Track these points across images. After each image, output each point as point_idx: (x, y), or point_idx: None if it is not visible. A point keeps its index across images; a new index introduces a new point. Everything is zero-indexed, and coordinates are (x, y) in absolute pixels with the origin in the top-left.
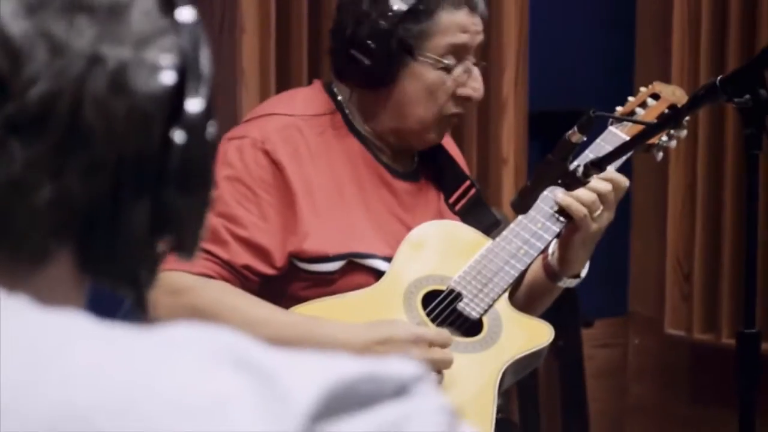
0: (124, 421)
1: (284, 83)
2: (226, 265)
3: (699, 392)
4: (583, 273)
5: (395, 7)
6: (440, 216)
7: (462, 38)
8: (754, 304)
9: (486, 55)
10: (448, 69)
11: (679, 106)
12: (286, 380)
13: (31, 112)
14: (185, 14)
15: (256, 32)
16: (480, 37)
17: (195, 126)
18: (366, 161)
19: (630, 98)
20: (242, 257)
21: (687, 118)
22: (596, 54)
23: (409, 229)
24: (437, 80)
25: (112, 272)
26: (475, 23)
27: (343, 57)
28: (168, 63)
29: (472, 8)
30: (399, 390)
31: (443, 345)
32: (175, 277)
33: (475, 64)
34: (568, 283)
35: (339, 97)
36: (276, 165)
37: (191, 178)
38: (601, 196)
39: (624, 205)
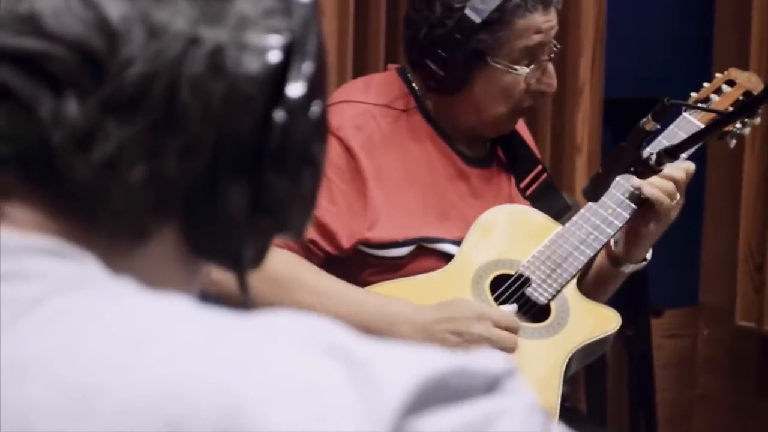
0: (220, 400)
1: (361, 66)
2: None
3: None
4: (649, 256)
5: (471, 18)
6: (511, 201)
7: (536, 39)
8: None
9: (563, 41)
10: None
11: (754, 93)
12: (379, 371)
13: (128, 93)
14: None
15: (334, 14)
16: (554, 30)
17: (296, 107)
18: (439, 148)
19: (705, 84)
20: (310, 233)
21: (761, 106)
22: (673, 41)
23: (482, 209)
24: (511, 82)
25: (214, 251)
26: (549, 20)
27: (416, 58)
28: (272, 44)
29: (546, 5)
30: (490, 385)
31: (509, 327)
32: None
33: (551, 56)
34: (632, 268)
35: (413, 84)
36: (349, 152)
37: (291, 158)
38: (678, 185)
39: (697, 193)
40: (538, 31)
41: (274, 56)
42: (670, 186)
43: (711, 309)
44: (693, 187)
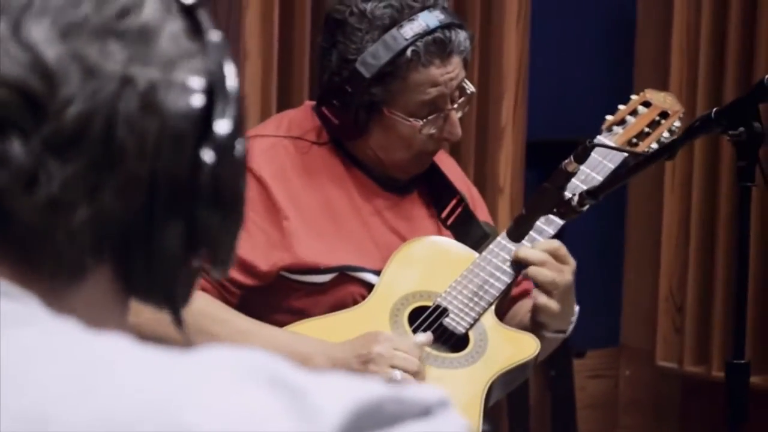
0: (164, 431)
1: (285, 108)
2: (207, 275)
3: (689, 425)
4: (570, 329)
5: (361, 73)
6: (435, 229)
7: (433, 93)
8: (743, 335)
9: (485, 82)
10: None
11: (670, 113)
12: (317, 399)
13: (67, 133)
14: (212, 37)
15: (258, 57)
16: (457, 81)
17: (224, 145)
18: (354, 176)
19: (621, 106)
20: None
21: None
22: (595, 84)
23: (401, 238)
24: (409, 132)
25: (149, 288)
26: (449, 71)
27: (319, 102)
28: (196, 84)
29: (446, 57)
30: (423, 412)
31: (409, 350)
32: None
33: (455, 105)
34: (552, 335)
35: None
36: (261, 183)
37: (222, 195)
38: (556, 256)
39: (618, 235)
40: (435, 84)
41: (199, 96)
42: (549, 275)
43: (633, 350)
44: (614, 229)
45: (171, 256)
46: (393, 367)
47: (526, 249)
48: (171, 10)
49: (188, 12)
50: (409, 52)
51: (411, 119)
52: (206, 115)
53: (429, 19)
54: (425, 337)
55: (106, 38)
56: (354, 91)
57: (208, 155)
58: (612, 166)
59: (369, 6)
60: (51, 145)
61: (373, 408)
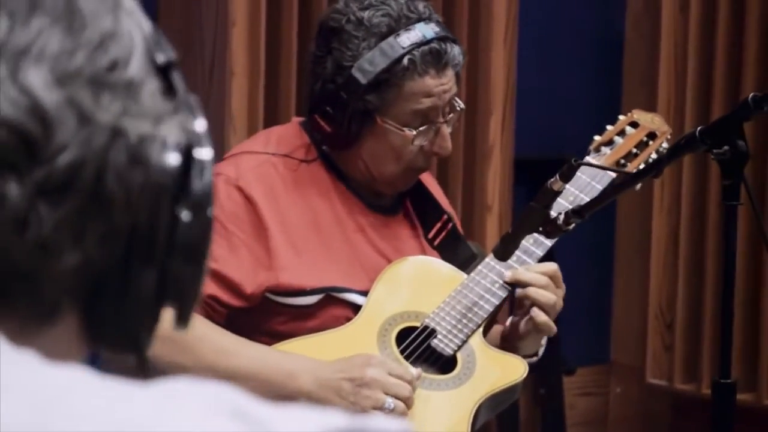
0: None
1: (272, 125)
2: None
3: None
4: (540, 351)
5: (357, 79)
6: (421, 249)
7: (427, 103)
8: (730, 353)
9: (473, 101)
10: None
11: (658, 133)
12: (278, 430)
13: (60, 178)
14: (186, 98)
15: (245, 75)
16: (450, 94)
17: (199, 204)
18: (342, 196)
19: (609, 127)
20: (209, 288)
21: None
22: (583, 101)
23: (388, 259)
24: (400, 142)
25: (115, 334)
26: (443, 83)
27: (310, 112)
28: (178, 142)
29: (440, 69)
30: None
31: (401, 376)
32: None
33: (447, 119)
34: (530, 360)
35: (315, 135)
36: (249, 201)
37: (194, 250)
38: (554, 279)
39: (607, 253)
40: (429, 95)
41: (181, 153)
42: (550, 298)
43: (623, 367)
44: (603, 246)
45: (142, 304)
46: (386, 393)
47: (525, 272)
48: (150, 69)
49: (163, 72)
50: (405, 60)
51: (404, 129)
52: (184, 173)
53: (425, 30)
54: (418, 372)
55: (99, 89)
56: (349, 97)
57: (184, 214)
58: (600, 188)
59: (366, 14)
60: (43, 189)
61: None
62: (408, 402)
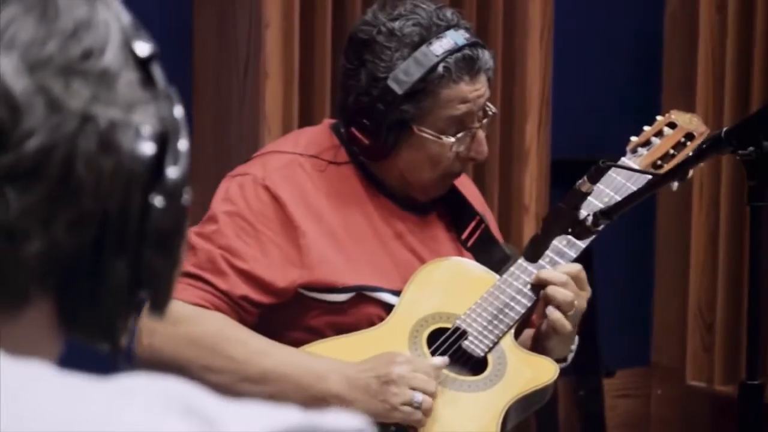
0: None
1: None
2: (224, 295)
3: None
4: (570, 357)
5: (393, 89)
6: (457, 250)
7: (462, 109)
8: (757, 355)
9: (509, 102)
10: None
11: (695, 134)
12: (230, 427)
13: (27, 163)
14: (164, 89)
15: (279, 77)
16: (483, 99)
17: (173, 192)
18: (373, 195)
19: (646, 128)
20: (240, 288)
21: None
22: (621, 102)
23: (421, 259)
24: (438, 150)
25: (89, 324)
26: (477, 88)
27: (345, 124)
28: (151, 130)
29: (474, 74)
30: None
31: (427, 373)
32: (174, 306)
33: (482, 123)
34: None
35: (346, 138)
36: (277, 200)
37: (166, 240)
38: (576, 280)
39: (647, 254)
40: (464, 101)
41: (155, 141)
42: (568, 295)
43: (663, 369)
44: (643, 248)
45: (115, 292)
46: (413, 389)
47: (547, 270)
48: (128, 60)
49: (142, 65)
50: (440, 68)
51: (441, 137)
52: (158, 160)
53: (456, 37)
54: (441, 360)
55: (70, 76)
56: (385, 108)
57: (157, 200)
58: (635, 189)
59: (397, 24)
60: (10, 175)
61: None
62: (433, 396)
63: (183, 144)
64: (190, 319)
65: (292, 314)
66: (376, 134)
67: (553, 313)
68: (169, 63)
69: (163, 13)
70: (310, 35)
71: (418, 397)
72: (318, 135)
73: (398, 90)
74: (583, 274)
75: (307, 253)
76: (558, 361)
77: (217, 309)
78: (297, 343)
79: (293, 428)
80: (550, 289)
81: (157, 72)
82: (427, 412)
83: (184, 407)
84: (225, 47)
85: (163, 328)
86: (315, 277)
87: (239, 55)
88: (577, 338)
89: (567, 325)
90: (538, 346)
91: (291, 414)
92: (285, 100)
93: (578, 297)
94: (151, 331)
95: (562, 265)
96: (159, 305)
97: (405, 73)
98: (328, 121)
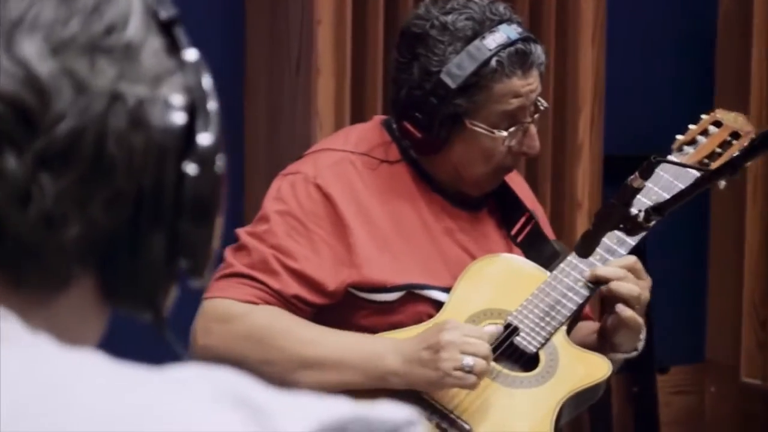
0: None
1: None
2: (277, 294)
3: None
4: (640, 346)
5: (446, 83)
6: (507, 246)
7: (515, 103)
8: None
9: (562, 98)
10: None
11: (741, 133)
12: (279, 419)
13: (59, 147)
14: (189, 55)
15: (331, 73)
16: (535, 93)
17: (206, 159)
18: (424, 192)
19: (691, 126)
20: (292, 287)
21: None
22: (674, 99)
23: (472, 256)
24: (490, 144)
25: (131, 296)
26: (529, 83)
27: (397, 118)
28: (179, 100)
29: (527, 69)
30: None
31: (479, 337)
32: (226, 304)
33: (534, 118)
34: (620, 356)
35: (397, 134)
36: (328, 199)
37: (203, 208)
38: (633, 271)
39: (701, 250)
40: (517, 95)
41: (182, 112)
42: (632, 289)
43: (717, 365)
44: (697, 244)
45: (154, 265)
46: (463, 353)
47: (603, 267)
48: (151, 28)
49: (166, 29)
50: (493, 62)
51: (494, 131)
52: (188, 129)
53: (509, 32)
54: (495, 328)
55: (94, 55)
56: (438, 102)
57: (190, 168)
58: (683, 187)
59: (449, 18)
60: (43, 160)
61: (337, 429)
62: (487, 359)
63: (212, 108)
64: (242, 315)
65: (343, 314)
66: (429, 128)
67: (624, 311)
68: (221, 60)
69: (216, 11)
70: (362, 31)
71: (469, 360)
72: (368, 132)
73: (451, 84)
74: (639, 264)
75: (357, 252)
76: (628, 352)
77: (269, 305)
78: None
79: (343, 419)
80: (614, 285)
81: (182, 36)
82: (481, 375)
83: (234, 398)
84: (277, 44)
85: (217, 328)
86: (364, 276)
87: (291, 51)
88: (644, 328)
89: (638, 319)
90: (605, 342)
91: (341, 405)
92: (337, 96)
93: (641, 288)
94: (205, 331)
95: (616, 260)
96: (197, 272)
97: (458, 67)
98: (378, 118)
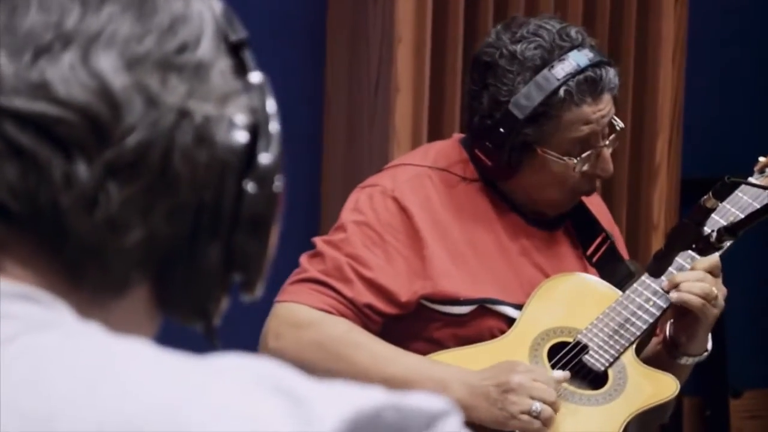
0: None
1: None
2: (349, 302)
3: None
4: (709, 346)
5: (514, 114)
6: (583, 266)
7: (585, 130)
8: None
9: (640, 120)
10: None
11: None
12: (317, 406)
13: (128, 158)
14: (255, 77)
15: (410, 92)
16: (608, 117)
17: (265, 178)
18: (500, 212)
19: None
20: (365, 296)
21: None
22: (753, 122)
23: (546, 275)
24: (562, 170)
25: (185, 305)
26: (600, 108)
27: (469, 144)
28: (243, 120)
29: (597, 95)
30: (427, 423)
31: (547, 382)
32: (300, 310)
33: (607, 142)
34: (691, 360)
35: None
36: (405, 212)
37: (259, 224)
38: (712, 272)
39: None
40: (587, 123)
41: (247, 131)
42: (704, 287)
43: None
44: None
45: (209, 275)
46: (532, 398)
47: (683, 273)
48: (221, 49)
49: (235, 51)
50: (561, 92)
51: (565, 158)
52: (250, 149)
53: (579, 59)
54: (562, 374)
55: (166, 72)
56: (507, 132)
57: (250, 186)
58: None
59: (519, 47)
60: (112, 169)
61: (372, 417)
62: (554, 406)
63: (274, 129)
64: (315, 323)
65: (414, 325)
66: (499, 156)
67: (692, 300)
68: (302, 78)
69: (297, 28)
70: (442, 50)
71: (537, 406)
72: (447, 149)
73: (519, 115)
74: (719, 265)
75: (431, 264)
76: (697, 355)
77: (342, 315)
78: (419, 354)
79: (378, 407)
80: (686, 285)
81: (248, 58)
82: (546, 422)
83: (273, 386)
84: (357, 61)
85: (289, 332)
86: (437, 288)
87: (371, 69)
88: (710, 340)
89: (711, 310)
90: (671, 350)
91: (376, 394)
92: (415, 114)
93: (718, 288)
94: (277, 334)
95: (699, 260)
96: (250, 287)
97: (526, 98)
98: (457, 136)
